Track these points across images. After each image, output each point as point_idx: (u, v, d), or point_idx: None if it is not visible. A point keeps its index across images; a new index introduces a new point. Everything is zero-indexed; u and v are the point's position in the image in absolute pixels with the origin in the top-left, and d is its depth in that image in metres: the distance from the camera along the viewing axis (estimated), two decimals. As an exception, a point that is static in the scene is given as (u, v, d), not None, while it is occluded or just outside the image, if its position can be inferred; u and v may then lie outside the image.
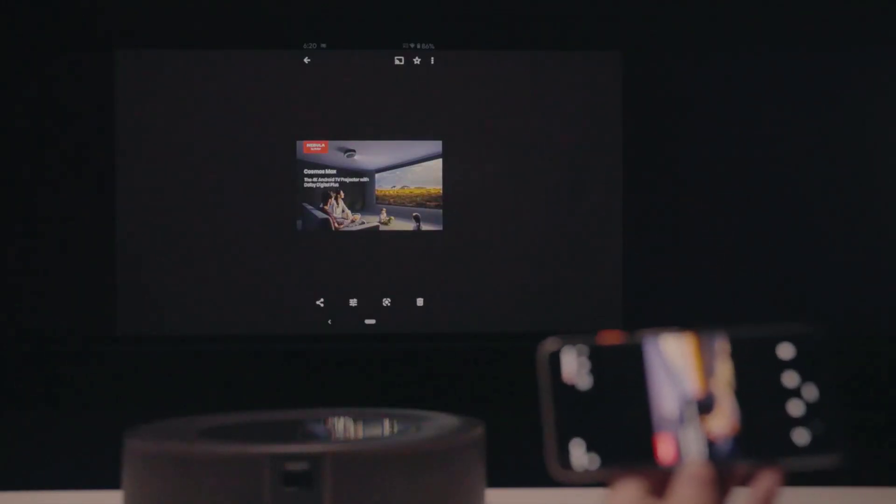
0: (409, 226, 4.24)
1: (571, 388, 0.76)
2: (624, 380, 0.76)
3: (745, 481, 0.74)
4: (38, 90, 4.05)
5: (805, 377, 0.74)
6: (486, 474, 1.47)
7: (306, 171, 4.22)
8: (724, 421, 0.74)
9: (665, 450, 0.74)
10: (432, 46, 4.20)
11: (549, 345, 0.77)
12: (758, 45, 4.11)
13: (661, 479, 0.74)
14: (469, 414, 1.52)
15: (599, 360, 0.76)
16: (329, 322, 4.18)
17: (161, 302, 4.11)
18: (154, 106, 4.12)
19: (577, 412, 0.75)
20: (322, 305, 4.18)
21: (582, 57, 4.17)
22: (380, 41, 4.19)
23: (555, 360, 0.76)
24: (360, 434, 1.61)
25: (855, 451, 0.73)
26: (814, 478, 1.05)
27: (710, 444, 0.74)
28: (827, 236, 4.10)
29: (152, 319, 4.10)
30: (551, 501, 1.21)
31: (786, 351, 0.75)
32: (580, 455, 0.74)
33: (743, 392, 0.74)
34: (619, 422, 0.75)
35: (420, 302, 4.21)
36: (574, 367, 0.76)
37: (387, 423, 1.58)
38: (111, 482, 1.71)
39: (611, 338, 0.77)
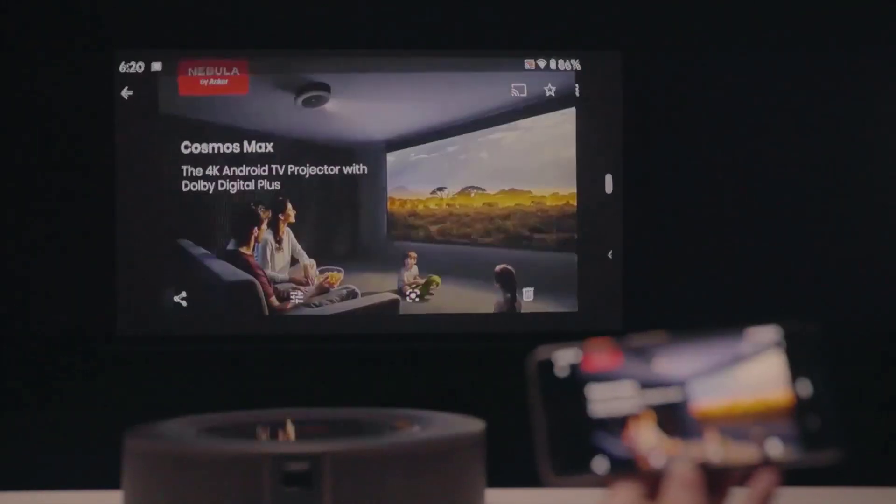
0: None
1: (562, 396, 0.76)
2: (613, 387, 0.76)
3: (742, 480, 0.74)
4: (39, 90, 4.05)
5: (801, 374, 0.74)
6: (486, 474, 1.47)
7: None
8: (717, 423, 0.74)
9: (656, 454, 0.74)
10: (432, 47, 4.19)
11: (539, 353, 0.77)
12: (758, 45, 4.11)
13: (653, 483, 0.74)
14: (469, 414, 1.52)
15: (589, 367, 0.76)
16: (329, 322, 4.17)
17: (161, 302, 4.10)
18: (154, 106, 4.12)
19: (569, 419, 0.75)
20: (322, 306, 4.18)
21: (582, 57, 4.17)
22: (379, 43, 4.18)
23: (545, 367, 0.77)
24: (361, 434, 1.61)
25: (853, 449, 0.73)
26: (814, 478, 1.05)
27: (703, 447, 0.74)
28: (827, 235, 4.10)
29: (152, 319, 4.10)
30: (551, 501, 1.21)
31: (781, 348, 0.75)
32: (572, 462, 0.75)
33: (738, 392, 0.75)
34: (610, 428, 0.75)
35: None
36: (564, 374, 0.76)
37: (386, 423, 1.58)
38: (111, 482, 1.72)
39: (600, 345, 0.77)
